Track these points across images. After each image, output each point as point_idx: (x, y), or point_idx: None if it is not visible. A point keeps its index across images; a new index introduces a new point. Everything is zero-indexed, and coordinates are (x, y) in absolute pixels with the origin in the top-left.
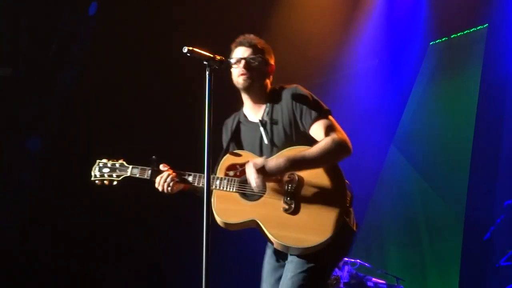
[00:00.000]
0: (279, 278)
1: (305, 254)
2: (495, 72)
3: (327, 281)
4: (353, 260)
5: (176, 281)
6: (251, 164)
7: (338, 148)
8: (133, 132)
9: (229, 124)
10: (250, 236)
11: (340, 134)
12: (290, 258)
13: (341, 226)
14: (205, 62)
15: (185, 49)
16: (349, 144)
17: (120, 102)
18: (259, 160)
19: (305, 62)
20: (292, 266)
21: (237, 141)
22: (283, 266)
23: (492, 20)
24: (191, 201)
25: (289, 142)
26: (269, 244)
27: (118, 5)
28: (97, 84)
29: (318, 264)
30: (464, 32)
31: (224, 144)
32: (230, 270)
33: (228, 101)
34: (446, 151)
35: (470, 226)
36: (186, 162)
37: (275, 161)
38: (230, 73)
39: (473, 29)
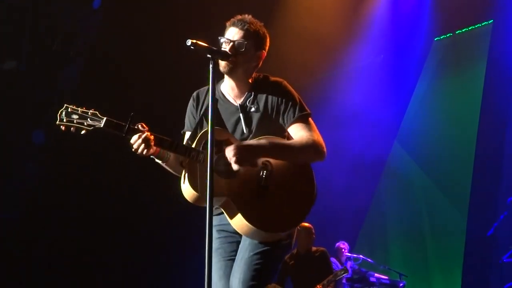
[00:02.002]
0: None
1: (263, 240)
2: (499, 68)
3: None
4: (356, 255)
5: (177, 279)
6: (232, 144)
7: (314, 149)
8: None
9: (202, 98)
10: None
11: (318, 137)
12: (244, 237)
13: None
14: (208, 55)
15: (189, 42)
16: (325, 149)
17: (124, 95)
18: (242, 142)
19: (310, 57)
20: (251, 246)
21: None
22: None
23: (497, 16)
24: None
25: (265, 132)
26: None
27: (122, 1)
28: (100, 80)
29: (273, 248)
30: (469, 28)
31: (191, 118)
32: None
33: None
34: (450, 147)
35: (473, 222)
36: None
37: (257, 141)
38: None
39: (478, 25)
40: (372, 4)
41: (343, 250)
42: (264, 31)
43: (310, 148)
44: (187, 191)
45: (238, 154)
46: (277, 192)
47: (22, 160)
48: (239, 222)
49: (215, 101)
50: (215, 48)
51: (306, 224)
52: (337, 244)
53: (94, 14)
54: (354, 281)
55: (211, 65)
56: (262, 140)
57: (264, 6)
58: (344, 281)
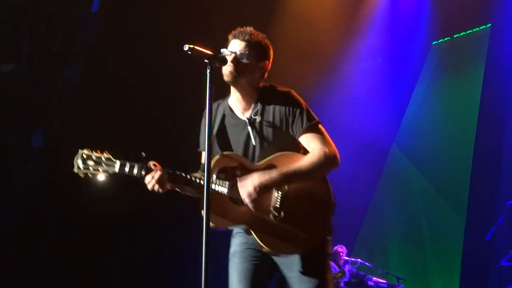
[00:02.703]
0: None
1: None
2: (497, 72)
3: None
4: (354, 259)
5: (176, 280)
6: (245, 182)
7: (327, 162)
8: (136, 127)
9: (213, 114)
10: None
11: (330, 146)
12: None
13: (322, 238)
14: (206, 60)
15: (186, 47)
16: (338, 156)
17: (123, 97)
18: (253, 177)
19: (308, 60)
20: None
21: (222, 135)
22: (256, 257)
23: (495, 20)
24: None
25: (277, 144)
26: (239, 235)
27: (121, 1)
28: (100, 80)
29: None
30: (467, 32)
31: (204, 137)
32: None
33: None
34: (448, 151)
35: (472, 226)
36: (186, 158)
37: (269, 176)
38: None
39: (476, 29)
40: (370, 7)
41: (341, 254)
42: (267, 42)
43: (322, 163)
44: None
45: (253, 197)
46: (294, 211)
47: (21, 161)
48: (258, 245)
49: (223, 116)
50: (212, 53)
51: None
52: (335, 247)
53: (94, 14)
54: (352, 284)
55: (208, 70)
56: (273, 174)
57: (262, 9)
58: (342, 284)
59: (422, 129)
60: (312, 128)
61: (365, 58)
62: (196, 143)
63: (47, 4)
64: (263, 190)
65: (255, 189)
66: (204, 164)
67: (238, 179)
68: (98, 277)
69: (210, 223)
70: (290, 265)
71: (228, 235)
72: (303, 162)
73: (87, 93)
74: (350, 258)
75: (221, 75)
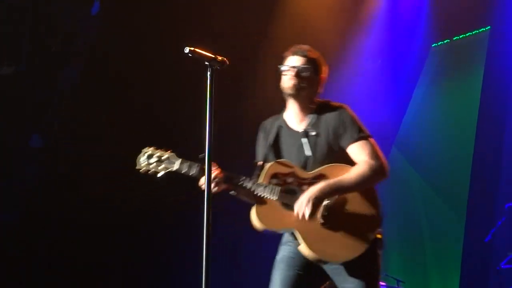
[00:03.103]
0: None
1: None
2: (497, 75)
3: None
4: None
5: (176, 280)
6: (299, 202)
7: (374, 174)
8: (136, 128)
9: (268, 127)
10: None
11: (378, 158)
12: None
13: (371, 244)
14: (206, 63)
15: (187, 50)
16: (386, 168)
17: (123, 97)
18: (311, 192)
19: None
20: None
21: (276, 147)
22: (299, 267)
23: (494, 23)
24: (195, 198)
25: (329, 155)
26: (288, 242)
27: (121, 3)
28: (100, 80)
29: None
30: (466, 35)
31: (261, 148)
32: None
33: (229, 102)
34: (448, 153)
35: (471, 228)
36: (186, 159)
37: (321, 189)
38: (279, 79)
39: (475, 31)
40: (369, 10)
41: None
42: (322, 59)
43: (368, 175)
44: (255, 221)
45: (305, 209)
46: (342, 219)
47: (21, 161)
48: (308, 254)
49: (278, 128)
50: (213, 56)
51: None
52: None
53: (93, 16)
54: None
55: (208, 73)
56: (324, 186)
57: (261, 11)
58: None
59: (422, 131)
60: (361, 140)
61: (364, 60)
62: (253, 155)
63: (47, 4)
64: (316, 205)
65: (307, 203)
66: (258, 171)
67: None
68: (98, 277)
69: (259, 224)
70: (340, 276)
71: (229, 235)
72: (350, 173)
73: (87, 93)
74: None
75: (221, 79)
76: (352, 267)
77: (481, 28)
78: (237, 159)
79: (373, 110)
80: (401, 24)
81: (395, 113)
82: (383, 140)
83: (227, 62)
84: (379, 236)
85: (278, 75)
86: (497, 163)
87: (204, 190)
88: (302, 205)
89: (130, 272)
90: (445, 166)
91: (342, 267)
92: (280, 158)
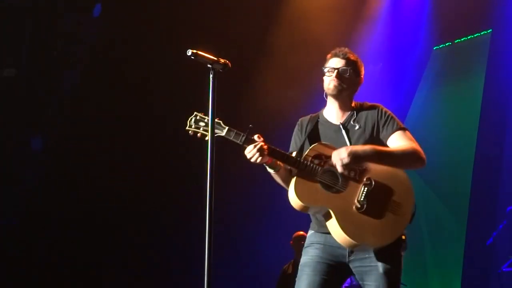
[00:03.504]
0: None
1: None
2: (498, 78)
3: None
4: None
5: (178, 279)
6: (339, 149)
7: (416, 155)
8: (136, 130)
9: (305, 124)
10: (252, 235)
11: (418, 146)
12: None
13: (398, 238)
14: (209, 65)
15: (189, 52)
16: (424, 156)
17: (123, 100)
18: (349, 147)
19: (309, 65)
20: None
21: (314, 139)
22: (330, 267)
23: (496, 26)
24: (194, 198)
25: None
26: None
27: (122, 5)
28: (101, 82)
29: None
30: (468, 37)
31: (295, 140)
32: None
33: (231, 104)
34: (449, 156)
35: (473, 232)
36: (186, 164)
37: (362, 148)
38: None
39: (477, 34)
40: (371, 13)
41: None
42: (360, 60)
43: (411, 154)
44: (294, 200)
45: (344, 161)
46: (376, 207)
47: (22, 163)
48: (338, 235)
49: (316, 123)
50: (215, 58)
51: (301, 233)
52: None
53: (94, 21)
54: None
55: (211, 75)
56: (366, 147)
57: (262, 15)
58: None
59: (423, 134)
60: (402, 131)
61: (366, 63)
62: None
63: (47, 8)
64: (355, 157)
65: (348, 154)
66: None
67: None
68: (98, 278)
69: (296, 199)
70: (365, 273)
71: (229, 235)
72: (395, 147)
73: (88, 95)
74: None
75: (227, 80)
76: (376, 266)
77: (482, 31)
78: (238, 159)
79: None
80: (403, 27)
81: (396, 116)
82: None
83: (230, 65)
84: (403, 237)
85: (321, 75)
86: (498, 165)
87: (249, 160)
88: (341, 154)
89: (131, 272)
90: (447, 169)
91: (368, 265)
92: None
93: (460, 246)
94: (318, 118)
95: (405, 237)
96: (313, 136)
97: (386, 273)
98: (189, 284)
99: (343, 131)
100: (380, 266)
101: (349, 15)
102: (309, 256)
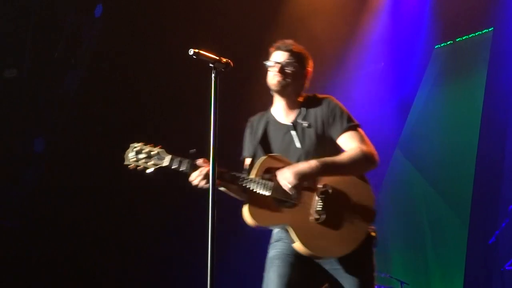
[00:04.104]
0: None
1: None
2: (500, 76)
3: None
4: None
5: (180, 280)
6: (283, 170)
7: (365, 159)
8: (139, 131)
9: (255, 125)
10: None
11: (369, 146)
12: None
13: (365, 239)
14: (211, 65)
15: (191, 52)
16: (376, 157)
17: (126, 102)
18: (292, 166)
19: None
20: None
21: (265, 142)
22: (296, 264)
23: (498, 24)
24: (195, 198)
25: (320, 147)
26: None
27: (124, 6)
28: (102, 85)
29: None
30: (469, 36)
31: (248, 144)
32: (235, 270)
33: (234, 103)
34: (451, 155)
35: (475, 230)
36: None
37: (306, 164)
38: (265, 75)
39: (478, 32)
40: (373, 12)
41: None
42: (306, 52)
43: (360, 160)
44: (250, 222)
45: (292, 183)
46: (336, 214)
47: (24, 165)
48: (301, 250)
49: (266, 124)
50: (217, 57)
51: None
52: None
53: (97, 19)
54: None
55: (213, 75)
56: (311, 163)
57: (261, 17)
58: None
59: (425, 133)
60: (351, 129)
61: (368, 63)
62: (240, 151)
63: (49, 10)
64: (301, 177)
65: (293, 175)
66: (248, 167)
67: (278, 170)
68: (98, 281)
69: (252, 221)
70: (337, 274)
71: (231, 235)
72: (342, 156)
73: (90, 97)
74: None
75: (229, 80)
76: (348, 265)
77: (484, 29)
78: (238, 158)
79: (376, 112)
80: (404, 25)
81: (398, 115)
82: (386, 142)
83: (232, 64)
84: (373, 234)
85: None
86: (500, 164)
87: (196, 186)
88: (286, 177)
89: (131, 275)
90: (448, 168)
91: (338, 266)
92: (270, 153)
93: (463, 244)
94: (268, 118)
95: (375, 233)
96: (265, 142)
97: (359, 270)
98: (191, 284)
99: (293, 132)
100: (351, 267)
101: (350, 15)
102: (278, 249)
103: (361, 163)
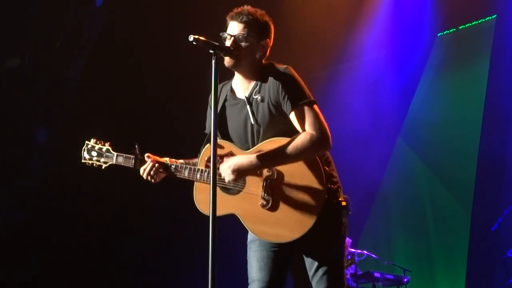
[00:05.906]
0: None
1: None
2: (503, 64)
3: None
4: (360, 251)
5: (181, 278)
6: (224, 162)
7: (312, 147)
8: (138, 126)
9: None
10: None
11: (321, 127)
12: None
13: (325, 212)
14: (211, 51)
15: (191, 38)
16: (329, 138)
17: (125, 96)
18: (233, 159)
19: (312, 52)
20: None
21: (223, 118)
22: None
23: (501, 11)
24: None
25: (273, 123)
26: None
27: None
28: (103, 77)
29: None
30: (472, 23)
31: (209, 118)
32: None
33: None
34: (454, 143)
35: (478, 218)
36: (192, 153)
37: (247, 158)
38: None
39: (482, 20)
40: (374, 0)
41: (347, 245)
42: (265, 19)
43: (307, 148)
44: (201, 211)
45: (230, 177)
46: (284, 198)
47: (26, 157)
48: (257, 237)
49: (224, 101)
50: (217, 44)
51: None
52: None
53: (98, 8)
54: (358, 276)
55: (213, 61)
56: (251, 157)
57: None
58: (348, 276)
59: (428, 121)
60: (304, 105)
61: (370, 51)
62: (203, 126)
63: (50, 1)
64: (240, 173)
65: (232, 171)
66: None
67: (221, 162)
68: (101, 275)
69: (202, 210)
70: (305, 254)
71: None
72: (286, 145)
73: (93, 88)
74: (357, 250)
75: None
76: (312, 240)
77: (487, 17)
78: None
79: (378, 101)
80: (407, 13)
81: (400, 103)
82: (388, 130)
83: (232, 50)
84: (344, 203)
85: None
86: (503, 152)
87: (145, 179)
88: (225, 171)
89: (132, 270)
90: (451, 156)
91: (305, 243)
92: (226, 130)
93: (465, 232)
94: (228, 91)
95: (346, 202)
96: (222, 118)
97: (325, 246)
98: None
99: (248, 107)
100: (316, 242)
101: (352, 2)
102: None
103: (307, 151)
